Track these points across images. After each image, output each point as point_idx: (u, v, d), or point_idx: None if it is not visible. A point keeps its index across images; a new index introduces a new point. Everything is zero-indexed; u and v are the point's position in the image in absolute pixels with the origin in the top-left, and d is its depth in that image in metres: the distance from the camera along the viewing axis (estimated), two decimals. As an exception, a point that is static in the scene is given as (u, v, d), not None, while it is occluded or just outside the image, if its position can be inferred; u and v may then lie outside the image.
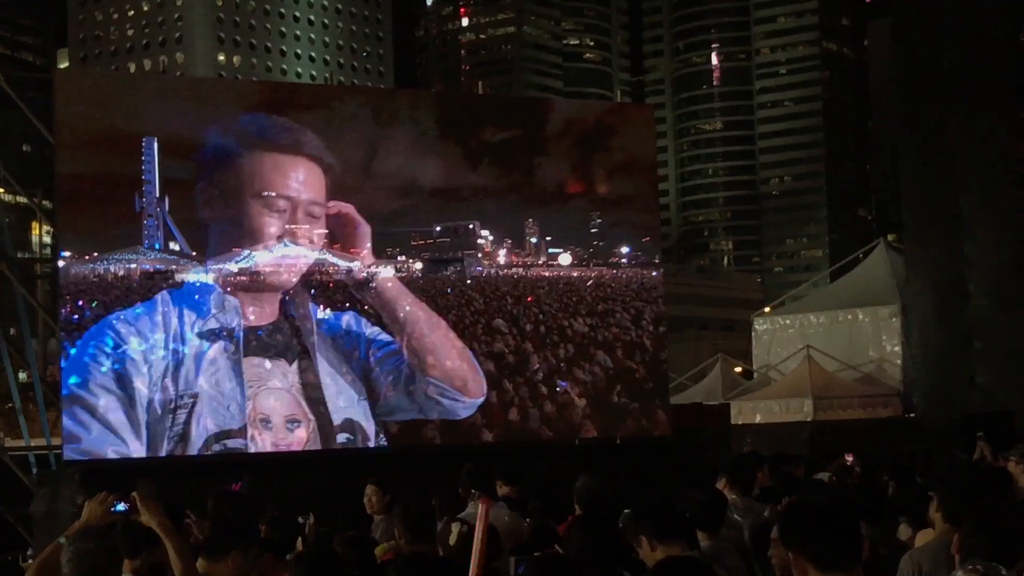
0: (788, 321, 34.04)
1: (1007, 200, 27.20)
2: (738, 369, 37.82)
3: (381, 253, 17.63)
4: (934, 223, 27.44)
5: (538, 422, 18.38)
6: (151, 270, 16.17)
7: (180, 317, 15.90)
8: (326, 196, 16.83)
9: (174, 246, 16.32)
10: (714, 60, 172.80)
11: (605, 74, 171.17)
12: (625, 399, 19.05)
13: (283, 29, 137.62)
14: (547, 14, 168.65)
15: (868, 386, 30.63)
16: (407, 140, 18.14)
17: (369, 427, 16.86)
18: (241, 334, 16.14)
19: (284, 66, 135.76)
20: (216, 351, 15.99)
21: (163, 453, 15.59)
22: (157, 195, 16.22)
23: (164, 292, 15.97)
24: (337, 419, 16.59)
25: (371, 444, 16.98)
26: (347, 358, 16.84)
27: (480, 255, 18.76)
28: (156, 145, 16.28)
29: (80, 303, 15.77)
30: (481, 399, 17.62)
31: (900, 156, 30.71)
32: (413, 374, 17.01)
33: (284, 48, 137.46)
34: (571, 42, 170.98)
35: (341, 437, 16.66)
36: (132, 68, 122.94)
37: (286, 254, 16.49)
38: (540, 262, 19.05)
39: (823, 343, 31.45)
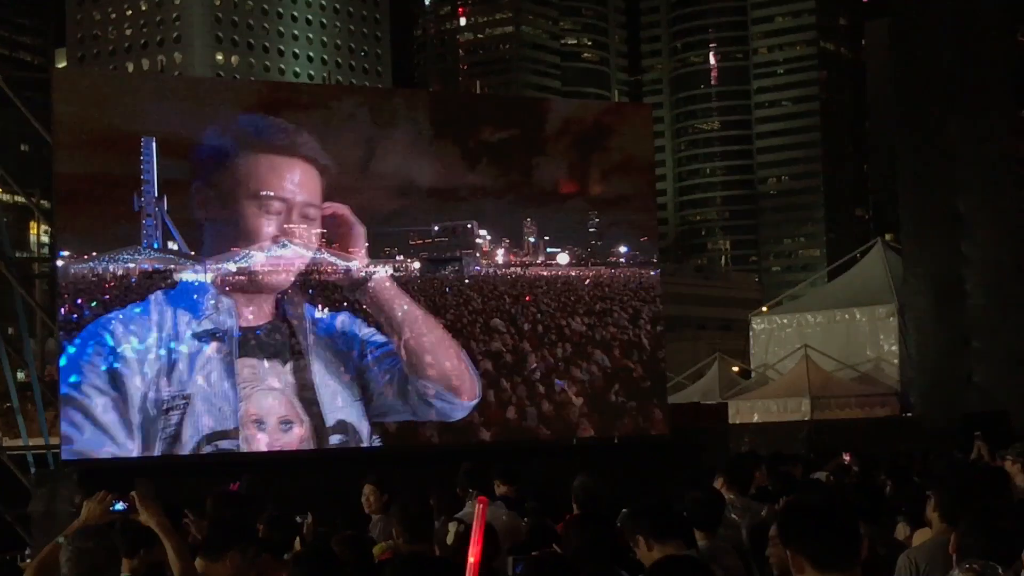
0: (786, 321, 34.06)
1: (1005, 200, 27.22)
2: (736, 368, 37.85)
3: (379, 253, 17.64)
4: (932, 223, 27.46)
5: (535, 421, 18.39)
6: (150, 270, 16.17)
7: (174, 318, 15.89)
8: (321, 197, 16.84)
9: (172, 246, 16.32)
10: (712, 60, 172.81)
11: (603, 74, 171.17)
12: (623, 398, 19.07)
13: (281, 29, 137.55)
14: (545, 14, 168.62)
15: (865, 385, 30.65)
16: (405, 140, 18.14)
17: (363, 428, 16.86)
18: (235, 335, 16.13)
19: (282, 66, 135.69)
20: (210, 352, 15.98)
21: (156, 454, 15.58)
22: (156, 195, 16.22)
23: (158, 292, 15.96)
24: (331, 420, 16.58)
25: (364, 445, 16.97)
26: (342, 359, 16.83)
27: (478, 255, 18.76)
28: (154, 145, 16.28)
29: (79, 301, 15.77)
30: (475, 401, 17.61)
31: (898, 156, 30.70)
32: (407, 376, 17.01)
33: (282, 48, 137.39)
34: (569, 42, 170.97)
35: (335, 438, 16.65)
36: (130, 68, 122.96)
37: (281, 255, 16.49)
38: (538, 262, 19.06)
39: (821, 343, 31.47)
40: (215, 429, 15.88)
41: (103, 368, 15.40)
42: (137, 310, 15.80)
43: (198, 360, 15.89)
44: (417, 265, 18.14)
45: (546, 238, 19.10)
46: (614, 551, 6.66)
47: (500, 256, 18.91)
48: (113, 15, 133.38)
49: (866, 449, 16.53)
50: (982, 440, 16.70)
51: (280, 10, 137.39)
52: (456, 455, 13.48)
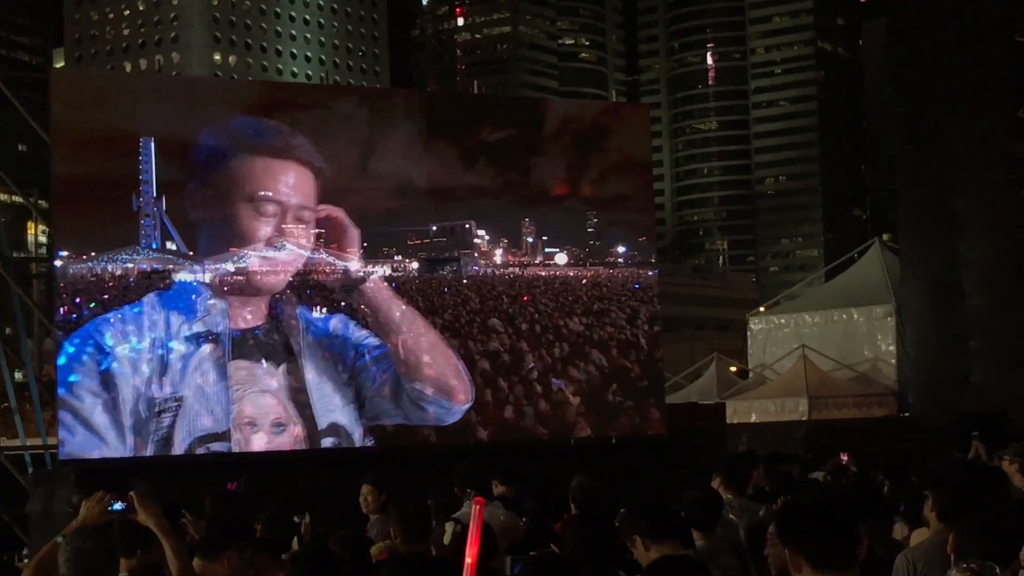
0: (783, 320, 34.08)
1: (1003, 200, 27.23)
2: (733, 368, 37.87)
3: (377, 253, 17.64)
4: (929, 223, 27.47)
5: (533, 420, 18.39)
6: (148, 270, 16.15)
7: (167, 320, 15.86)
8: (316, 200, 16.82)
9: (171, 246, 16.31)
10: (709, 60, 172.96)
11: (600, 74, 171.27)
12: (620, 398, 19.07)
13: (279, 29, 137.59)
14: (542, 14, 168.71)
15: (863, 385, 30.67)
16: (403, 140, 18.14)
17: (356, 431, 16.82)
18: (228, 337, 16.10)
19: (280, 66, 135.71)
20: (203, 354, 15.94)
21: (148, 455, 15.56)
22: (154, 195, 16.21)
23: (152, 294, 15.92)
24: (323, 423, 16.55)
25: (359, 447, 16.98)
26: (335, 362, 16.79)
27: (476, 255, 18.76)
28: (153, 145, 16.27)
29: (77, 300, 15.76)
30: (468, 405, 17.58)
31: (896, 156, 30.72)
32: (400, 379, 16.99)
33: (280, 48, 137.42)
34: (566, 42, 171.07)
35: (327, 441, 16.62)
36: (128, 68, 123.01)
37: (275, 257, 16.46)
38: (536, 261, 19.06)
39: (818, 342, 31.48)
40: (208, 431, 15.84)
41: (95, 370, 15.36)
42: (130, 312, 15.75)
43: (191, 362, 15.86)
44: (415, 265, 18.14)
45: (544, 238, 19.10)
46: (612, 551, 6.66)
47: (498, 256, 18.91)
48: (111, 15, 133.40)
49: (864, 449, 16.53)
50: (980, 440, 16.72)
51: (278, 10, 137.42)
52: (454, 455, 13.48)
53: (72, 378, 15.29)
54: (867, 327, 31.70)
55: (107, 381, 15.35)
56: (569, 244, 19.32)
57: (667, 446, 18.86)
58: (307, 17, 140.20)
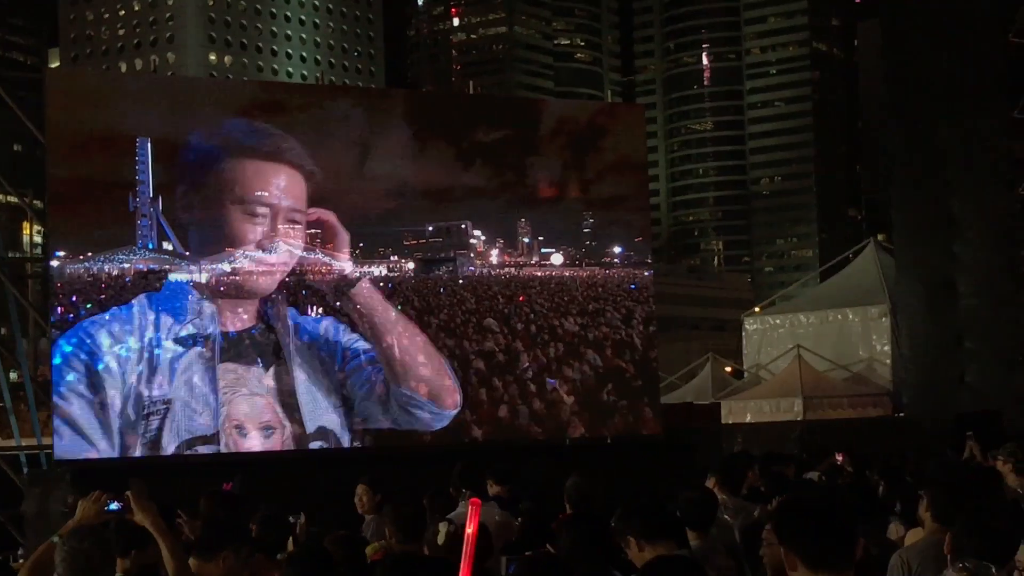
0: (778, 321, 34.07)
1: (997, 200, 27.22)
2: (728, 369, 37.83)
3: (374, 253, 17.65)
4: (924, 223, 27.46)
5: (527, 419, 18.41)
6: (145, 270, 16.15)
7: (157, 322, 15.85)
8: (306, 203, 16.81)
9: (167, 246, 16.31)
10: (704, 60, 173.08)
11: (596, 74, 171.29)
12: (615, 397, 19.09)
13: (274, 29, 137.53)
14: (538, 14, 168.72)
15: (858, 386, 30.67)
16: (399, 140, 18.15)
17: (343, 436, 16.82)
18: (218, 340, 16.08)
19: (275, 66, 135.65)
20: (192, 357, 15.93)
21: (140, 456, 15.54)
22: (150, 195, 16.21)
23: (142, 296, 15.92)
24: (311, 427, 16.54)
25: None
26: (323, 366, 16.78)
27: (472, 255, 18.77)
28: (149, 145, 16.27)
29: (74, 299, 15.75)
30: (455, 411, 17.57)
31: (890, 156, 30.71)
32: (388, 383, 16.98)
33: (275, 48, 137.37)
34: (562, 42, 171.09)
35: (315, 444, 16.61)
36: (123, 68, 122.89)
37: (265, 260, 16.45)
38: (532, 262, 19.07)
39: (813, 343, 31.47)
40: (195, 434, 15.83)
41: (84, 372, 15.35)
42: (121, 314, 15.74)
43: (180, 364, 15.85)
44: (411, 265, 18.15)
45: (540, 238, 19.12)
46: (607, 551, 6.67)
47: (494, 256, 18.92)
48: (106, 15, 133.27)
49: (859, 449, 16.53)
50: (974, 440, 16.72)
51: (273, 10, 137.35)
52: (449, 455, 13.47)
53: (67, 378, 15.28)
54: (862, 327, 31.71)
55: (95, 383, 15.34)
56: (565, 244, 19.33)
57: (662, 446, 18.88)
58: (302, 17, 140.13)
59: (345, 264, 17.08)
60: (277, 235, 16.45)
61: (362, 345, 16.95)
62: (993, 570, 4.44)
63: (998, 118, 27.13)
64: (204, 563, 6.38)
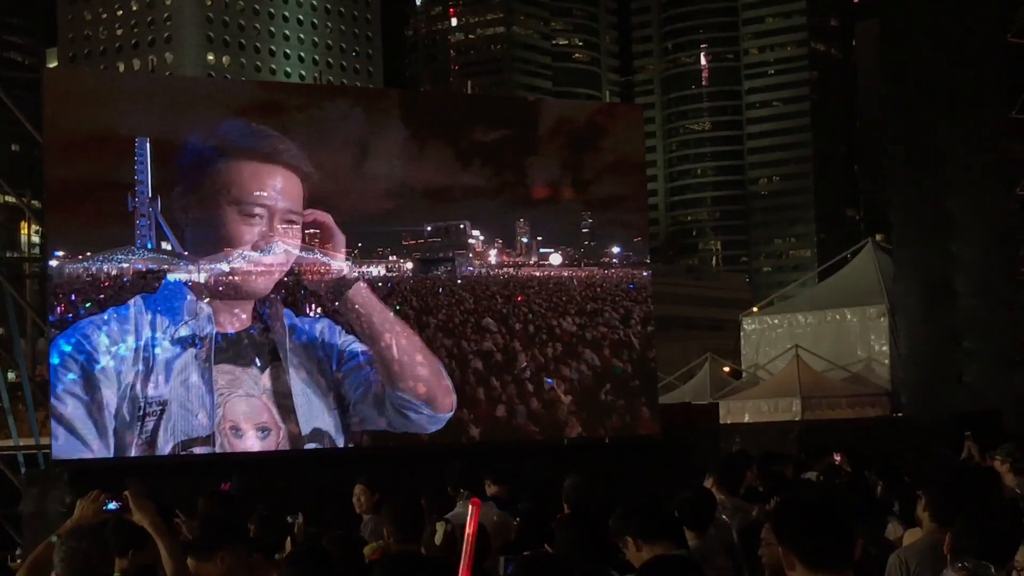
0: (776, 321, 34.09)
1: (995, 200, 27.22)
2: (726, 369, 37.84)
3: (372, 253, 17.65)
4: (922, 223, 27.46)
5: (524, 418, 18.41)
6: (143, 270, 16.14)
7: (153, 323, 15.83)
8: (303, 204, 16.80)
9: (166, 246, 16.30)
10: (702, 60, 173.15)
11: (594, 74, 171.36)
12: (612, 397, 19.08)
13: (272, 29, 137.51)
14: (536, 14, 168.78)
15: (856, 385, 30.68)
16: (398, 140, 18.14)
17: (339, 437, 16.80)
18: (213, 341, 16.05)
19: (273, 66, 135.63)
20: (187, 358, 15.90)
21: (138, 457, 15.52)
22: (149, 195, 16.20)
23: (138, 297, 15.89)
24: (307, 428, 16.51)
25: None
26: (320, 367, 16.75)
27: (471, 255, 18.77)
28: (148, 145, 16.26)
29: (73, 298, 15.74)
30: (450, 414, 17.55)
31: (888, 156, 30.72)
32: (384, 386, 16.96)
33: (273, 48, 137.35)
34: (560, 42, 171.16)
35: (310, 446, 16.59)
36: (121, 68, 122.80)
37: (261, 261, 16.44)
38: (531, 262, 19.07)
39: (811, 343, 31.49)
40: (191, 435, 15.79)
41: (81, 373, 15.33)
42: (117, 314, 15.72)
43: (176, 365, 15.82)
44: (410, 265, 18.15)
45: (539, 238, 19.12)
46: (605, 551, 6.67)
47: (493, 256, 18.92)
48: (104, 15, 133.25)
49: (857, 449, 16.52)
50: (972, 440, 16.71)
51: (271, 10, 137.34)
52: (447, 455, 13.48)
53: (64, 379, 15.27)
54: (860, 327, 31.73)
55: (95, 383, 15.32)
56: (564, 244, 19.33)
57: (660, 446, 18.87)
58: (300, 17, 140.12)
59: (341, 265, 17.06)
60: (274, 236, 16.43)
61: (358, 347, 16.93)
62: (993, 570, 4.45)
63: (996, 119, 27.13)
64: (202, 563, 6.38)
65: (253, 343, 16.38)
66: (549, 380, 18.67)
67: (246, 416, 16.21)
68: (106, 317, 15.65)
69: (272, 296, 16.58)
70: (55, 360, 15.36)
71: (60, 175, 16.17)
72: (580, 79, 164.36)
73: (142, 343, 15.70)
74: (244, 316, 16.42)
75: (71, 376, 15.28)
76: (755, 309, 40.81)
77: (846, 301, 32.24)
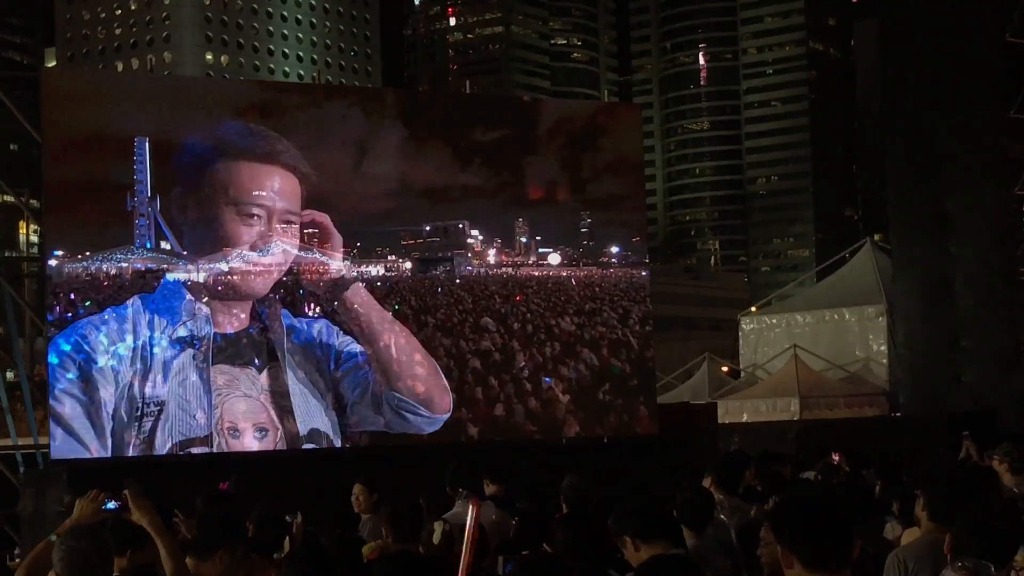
0: (775, 320, 34.10)
1: (993, 200, 27.24)
2: (725, 368, 37.85)
3: (371, 253, 17.64)
4: (920, 223, 27.48)
5: (522, 417, 18.41)
6: (143, 269, 16.13)
7: (151, 323, 15.81)
8: (301, 205, 16.79)
9: (165, 245, 16.29)
10: (701, 60, 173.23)
11: (592, 74, 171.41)
12: (610, 396, 19.09)
13: (271, 28, 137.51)
14: (535, 14, 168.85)
15: (854, 385, 30.70)
16: (397, 140, 18.14)
17: (336, 438, 16.79)
18: (212, 341, 16.04)
19: (272, 65, 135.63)
20: (185, 359, 15.88)
21: (136, 456, 15.51)
22: (148, 195, 16.19)
23: (136, 298, 15.88)
24: (304, 429, 16.49)
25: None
26: (317, 368, 16.73)
27: (470, 255, 18.77)
28: (147, 145, 16.25)
29: (72, 297, 15.74)
30: (447, 415, 17.53)
31: (887, 156, 30.73)
32: (381, 387, 16.96)
33: (272, 47, 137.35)
34: (559, 42, 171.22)
35: (307, 447, 16.58)
36: (120, 67, 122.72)
37: (259, 262, 16.42)
38: (530, 262, 19.07)
39: (810, 342, 31.50)
40: (189, 435, 15.77)
41: (79, 373, 15.31)
42: (115, 315, 15.71)
43: (174, 366, 15.80)
44: (409, 265, 18.15)
45: (538, 238, 19.11)
46: (603, 550, 6.67)
47: (491, 256, 18.92)
48: (103, 14, 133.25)
49: (855, 449, 16.55)
50: (970, 439, 16.73)
51: (270, 10, 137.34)
52: (446, 455, 13.48)
53: (62, 379, 15.26)
54: (858, 327, 31.74)
55: (93, 383, 15.30)
56: (562, 244, 19.33)
57: (659, 446, 18.87)
58: (299, 17, 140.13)
59: (339, 265, 17.06)
60: (272, 236, 16.43)
61: (356, 347, 16.92)
62: (993, 569, 4.45)
63: (995, 118, 27.15)
64: (201, 562, 6.38)
65: (251, 343, 16.37)
66: (547, 379, 18.68)
67: (244, 416, 16.20)
68: (105, 317, 15.64)
69: (270, 296, 16.57)
70: (53, 360, 15.35)
71: (59, 175, 16.16)
72: (578, 79, 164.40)
73: (140, 343, 15.69)
74: (242, 316, 16.41)
75: (69, 376, 15.27)
76: (753, 309, 40.82)
77: (844, 301, 32.25)
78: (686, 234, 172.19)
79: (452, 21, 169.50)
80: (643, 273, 20.04)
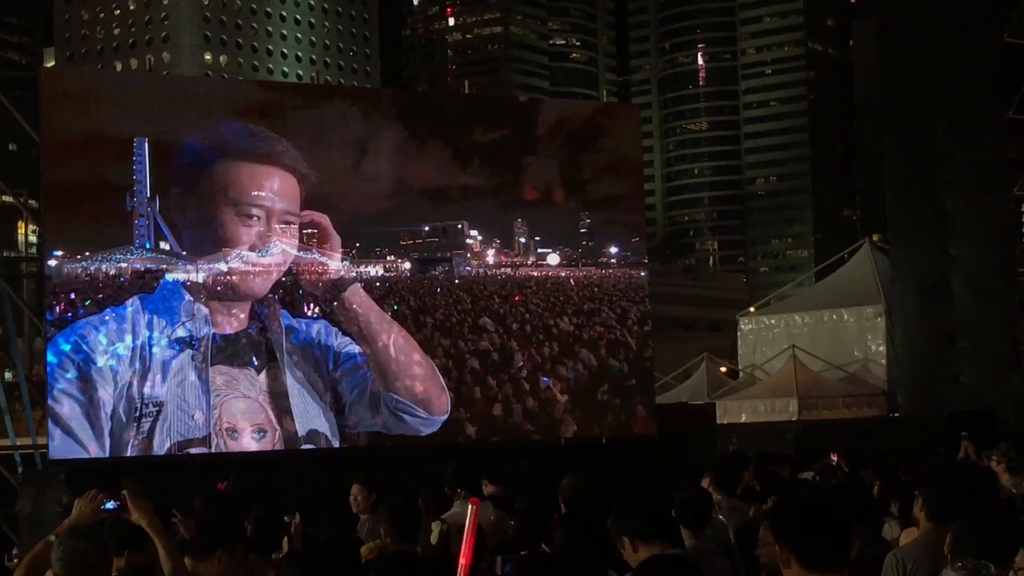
0: (773, 321, 34.15)
1: (991, 200, 27.28)
2: (723, 369, 37.88)
3: (370, 253, 17.64)
4: (919, 223, 27.52)
5: (520, 417, 18.41)
6: (142, 269, 16.13)
7: (150, 324, 15.80)
8: (300, 206, 16.78)
9: (164, 246, 16.29)
10: (700, 60, 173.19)
11: (591, 74, 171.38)
12: (609, 397, 19.09)
13: (269, 28, 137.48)
14: (533, 14, 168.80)
15: (853, 386, 30.74)
16: (395, 140, 18.13)
17: (334, 438, 16.79)
18: (210, 342, 16.03)
19: (270, 66, 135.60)
20: (184, 359, 15.87)
21: (134, 456, 15.50)
22: (147, 195, 16.19)
23: (135, 298, 15.88)
24: (303, 430, 16.48)
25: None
26: (316, 368, 16.72)
27: (469, 255, 18.77)
28: (147, 145, 16.25)
29: (71, 297, 15.73)
30: (444, 417, 17.53)
31: (885, 156, 30.77)
32: (379, 388, 16.95)
33: (271, 47, 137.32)
34: (557, 42, 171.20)
35: (306, 447, 16.57)
36: (118, 67, 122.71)
37: (258, 263, 16.41)
38: (529, 262, 19.07)
39: (808, 343, 31.54)
40: (187, 435, 15.76)
41: (77, 373, 15.30)
42: (114, 315, 15.70)
43: (172, 366, 15.79)
44: (408, 265, 18.14)
45: (537, 238, 19.11)
46: (602, 550, 6.67)
47: (490, 256, 18.91)
48: (101, 14, 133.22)
49: (854, 449, 16.57)
50: (969, 440, 16.76)
51: (268, 10, 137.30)
52: (444, 455, 13.48)
53: (61, 379, 15.26)
54: (857, 327, 31.79)
55: (91, 384, 15.29)
56: (561, 245, 19.33)
57: (657, 446, 18.87)
58: (298, 17, 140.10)
59: (338, 266, 17.05)
60: (271, 237, 16.42)
61: (355, 348, 16.91)
62: (993, 569, 4.45)
63: (993, 118, 27.20)
64: (199, 563, 6.38)
65: (250, 343, 16.37)
66: (546, 379, 18.67)
67: (243, 416, 16.19)
68: (104, 317, 15.63)
69: (269, 296, 16.56)
70: (52, 360, 15.35)
71: (58, 175, 16.15)
72: (577, 79, 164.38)
73: (139, 343, 15.69)
74: (241, 316, 16.40)
75: (68, 376, 15.26)
76: (752, 309, 40.88)
77: (843, 301, 32.31)
78: (685, 234, 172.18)
79: (451, 21, 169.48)
80: (642, 273, 20.04)
